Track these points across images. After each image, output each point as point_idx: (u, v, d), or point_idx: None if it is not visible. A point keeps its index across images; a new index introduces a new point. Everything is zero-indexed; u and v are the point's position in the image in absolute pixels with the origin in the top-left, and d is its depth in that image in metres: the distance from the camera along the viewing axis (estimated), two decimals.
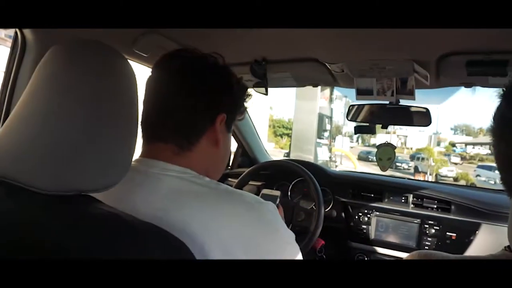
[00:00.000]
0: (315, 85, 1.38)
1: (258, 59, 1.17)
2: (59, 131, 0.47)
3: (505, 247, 0.50)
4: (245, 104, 0.76)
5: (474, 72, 0.91)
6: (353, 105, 1.36)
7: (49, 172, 0.48)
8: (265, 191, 1.30)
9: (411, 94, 1.12)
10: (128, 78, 0.55)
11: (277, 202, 1.21)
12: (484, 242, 1.38)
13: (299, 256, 0.69)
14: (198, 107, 0.65)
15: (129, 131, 0.55)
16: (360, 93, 1.20)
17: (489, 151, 33.73)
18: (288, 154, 11.15)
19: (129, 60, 0.56)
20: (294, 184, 1.76)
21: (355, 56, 1.03)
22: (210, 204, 0.60)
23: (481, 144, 36.60)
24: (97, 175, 0.50)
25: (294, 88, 9.48)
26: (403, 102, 1.24)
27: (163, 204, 0.60)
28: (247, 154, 2.11)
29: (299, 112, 9.80)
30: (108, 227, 0.50)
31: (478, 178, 18.15)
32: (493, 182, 16.80)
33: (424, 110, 1.23)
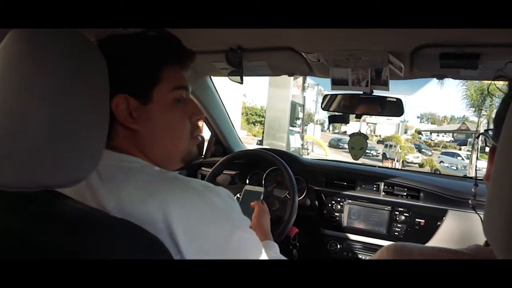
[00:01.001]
0: (291, 75, 1.38)
1: (233, 47, 1.15)
2: (21, 123, 0.44)
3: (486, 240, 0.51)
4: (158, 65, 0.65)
5: (447, 65, 0.93)
6: (327, 95, 1.37)
7: (12, 167, 0.45)
8: (248, 187, 1.31)
9: (385, 85, 1.14)
10: (96, 65, 0.51)
11: (261, 198, 1.24)
12: (451, 228, 1.44)
13: (252, 243, 0.66)
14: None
15: (98, 121, 0.51)
16: (335, 83, 1.20)
17: (452, 139, 35.38)
18: (261, 142, 11.19)
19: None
20: (268, 173, 1.76)
21: (331, 46, 1.03)
22: (159, 193, 0.58)
23: (445, 132, 38.27)
24: (65, 169, 0.47)
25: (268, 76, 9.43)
26: (376, 92, 1.26)
27: (123, 196, 0.58)
28: (221, 143, 2.09)
29: (272, 99, 9.82)
30: (78, 224, 0.47)
31: (442, 164, 19.02)
32: (455, 168, 17.69)
33: (397, 100, 1.25)
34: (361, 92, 1.25)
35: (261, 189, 1.27)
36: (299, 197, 1.63)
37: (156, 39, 0.65)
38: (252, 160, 1.79)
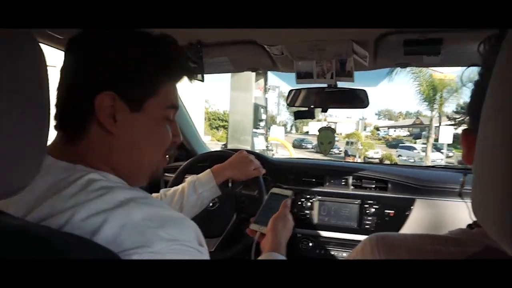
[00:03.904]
0: (254, 70, 1.33)
1: (192, 42, 1.09)
2: None
3: (469, 224, 0.50)
4: (158, 76, 0.60)
5: (410, 51, 0.92)
6: (292, 90, 1.34)
7: None
8: (275, 190, 1.12)
9: (350, 76, 1.12)
10: (36, 63, 0.44)
11: (289, 203, 1.05)
12: (419, 216, 1.46)
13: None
14: (78, 84, 0.56)
15: (39, 122, 0.44)
16: (300, 76, 1.17)
17: (408, 133, 37.11)
18: (225, 146, 11.10)
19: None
20: None
21: (294, 37, 1.00)
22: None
23: (401, 127, 40.14)
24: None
25: (229, 80, 9.43)
26: (341, 84, 1.24)
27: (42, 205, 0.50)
28: (183, 147, 2.01)
29: (234, 103, 9.76)
30: (17, 241, 0.40)
31: (400, 158, 19.86)
32: (412, 160, 18.54)
33: (361, 91, 1.25)
34: (326, 85, 1.23)
35: (289, 192, 1.09)
36: None
37: (168, 49, 0.61)
38: (217, 161, 1.73)
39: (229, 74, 9.45)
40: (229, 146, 9.64)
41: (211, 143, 23.18)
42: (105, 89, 0.55)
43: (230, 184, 1.69)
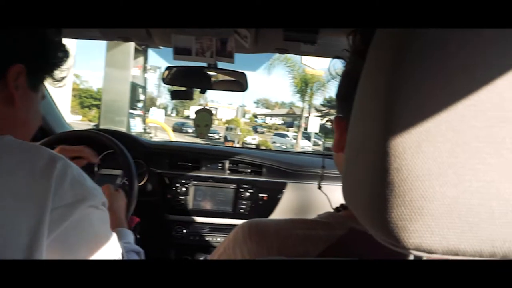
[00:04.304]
0: (126, 40, 1.17)
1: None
2: None
3: (337, 207, 0.50)
4: (60, 62, 0.65)
5: (289, 37, 0.92)
6: (170, 67, 1.23)
7: None
8: (103, 171, 1.15)
9: (230, 57, 1.07)
10: None
11: (117, 181, 1.09)
12: (290, 199, 1.54)
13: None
14: None
15: None
16: (178, 52, 1.08)
17: (283, 121, 40.10)
18: (97, 127, 10.15)
19: None
20: (102, 157, 1.52)
21: None
22: None
23: (277, 115, 43.10)
24: None
25: (103, 55, 8.60)
26: (220, 66, 1.20)
27: None
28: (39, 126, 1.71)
29: (109, 80, 8.96)
30: None
31: (274, 144, 21.33)
32: (285, 147, 20.14)
33: (241, 75, 1.22)
34: (206, 65, 1.17)
35: (118, 171, 1.14)
36: (139, 183, 1.46)
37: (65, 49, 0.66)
38: (81, 143, 1.51)
39: (104, 48, 8.61)
40: (102, 127, 8.83)
41: (82, 123, 21.03)
42: (16, 62, 0.56)
43: (96, 168, 1.51)
